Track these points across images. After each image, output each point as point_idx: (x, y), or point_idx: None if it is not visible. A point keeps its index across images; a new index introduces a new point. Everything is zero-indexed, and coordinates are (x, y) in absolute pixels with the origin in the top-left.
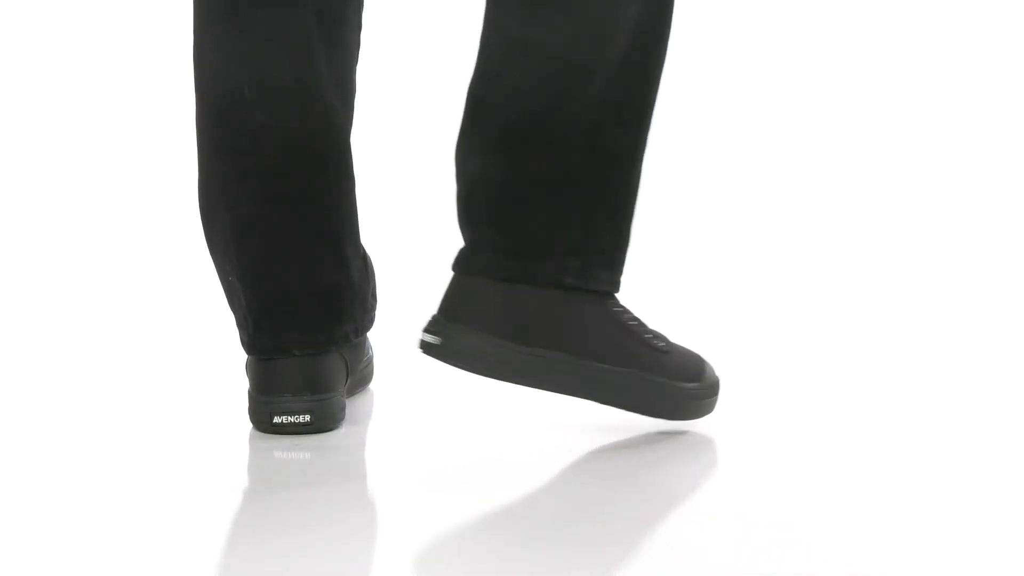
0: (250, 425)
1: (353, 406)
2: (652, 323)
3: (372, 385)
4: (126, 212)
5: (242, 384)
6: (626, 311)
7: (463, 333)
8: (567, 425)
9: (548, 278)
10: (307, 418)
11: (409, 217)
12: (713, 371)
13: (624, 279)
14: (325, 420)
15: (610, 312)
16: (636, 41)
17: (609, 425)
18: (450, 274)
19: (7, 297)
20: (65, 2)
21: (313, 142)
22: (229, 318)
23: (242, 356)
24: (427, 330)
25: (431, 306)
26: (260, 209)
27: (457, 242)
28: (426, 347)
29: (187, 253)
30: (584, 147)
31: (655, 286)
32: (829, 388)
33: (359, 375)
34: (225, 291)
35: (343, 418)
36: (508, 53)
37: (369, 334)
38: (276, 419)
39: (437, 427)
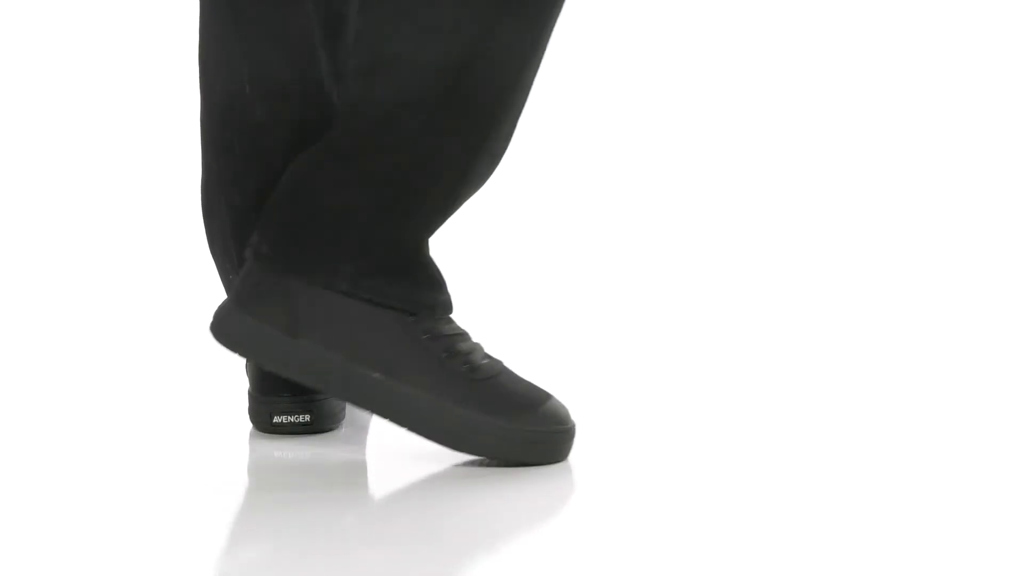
0: (250, 425)
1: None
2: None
3: None
4: (127, 211)
5: (242, 384)
6: (433, 331)
7: (239, 318)
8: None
9: (322, 280)
10: (307, 418)
11: None
12: (558, 417)
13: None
14: (325, 420)
15: (406, 326)
16: (478, 56)
17: None
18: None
19: (8, 297)
20: (72, 1)
21: (314, 140)
22: None
23: None
24: (214, 312)
25: None
26: (259, 207)
27: (454, 242)
28: (209, 327)
29: (187, 252)
30: (385, 145)
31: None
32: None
33: None
34: (225, 289)
35: (343, 418)
36: (353, 44)
37: None
38: (276, 419)
39: None
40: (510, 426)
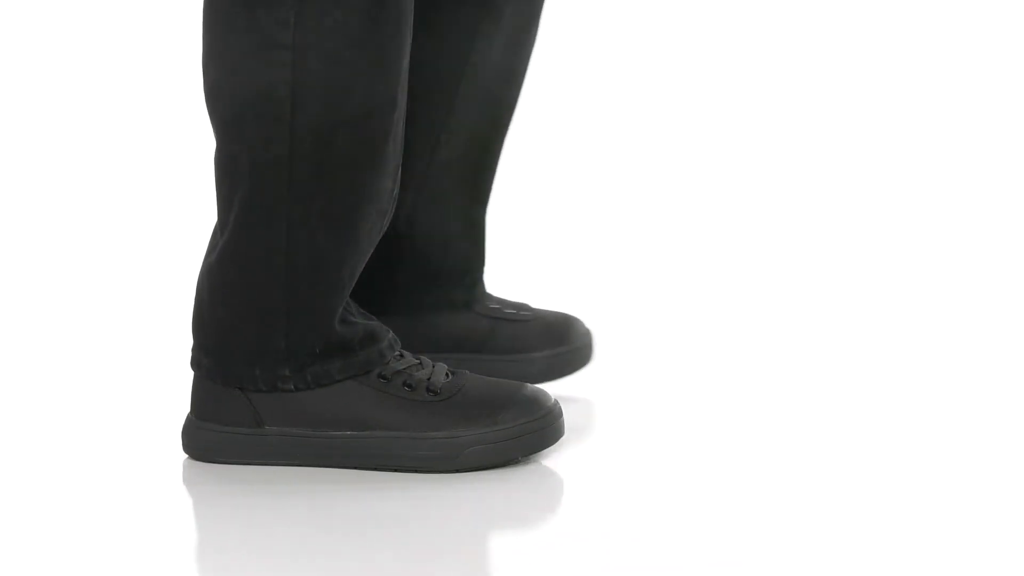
0: None
1: None
2: None
3: None
4: (129, 210)
5: None
6: (385, 373)
7: (207, 431)
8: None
9: (267, 385)
10: None
11: None
12: (536, 404)
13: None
14: None
15: (360, 382)
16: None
17: None
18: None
19: (8, 296)
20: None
21: None
22: None
23: None
24: (182, 431)
25: None
26: None
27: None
28: (182, 447)
29: (187, 250)
30: (275, 246)
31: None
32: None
33: None
34: None
35: None
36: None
37: None
38: None
39: None
40: (492, 430)
